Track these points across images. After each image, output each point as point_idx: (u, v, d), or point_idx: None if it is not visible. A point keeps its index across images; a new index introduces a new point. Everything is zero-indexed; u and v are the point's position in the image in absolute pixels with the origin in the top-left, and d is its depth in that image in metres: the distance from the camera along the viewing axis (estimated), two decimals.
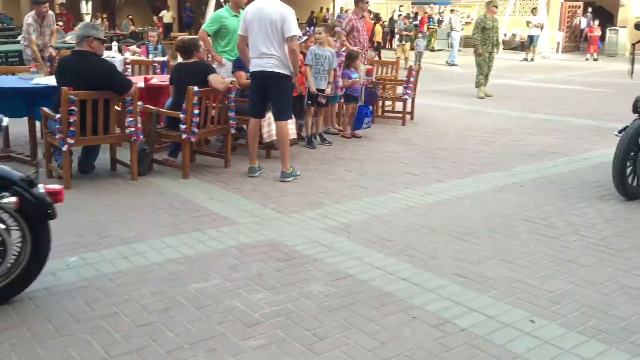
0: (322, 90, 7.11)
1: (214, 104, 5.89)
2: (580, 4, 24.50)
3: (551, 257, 3.95)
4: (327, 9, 31.73)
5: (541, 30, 20.81)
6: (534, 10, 21.09)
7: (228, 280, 3.54)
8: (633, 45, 5.80)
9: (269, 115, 6.04)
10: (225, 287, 3.45)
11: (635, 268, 3.77)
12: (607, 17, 24.99)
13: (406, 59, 17.63)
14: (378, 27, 19.72)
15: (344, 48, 7.98)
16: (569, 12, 23.59)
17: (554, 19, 22.89)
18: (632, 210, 4.94)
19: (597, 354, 2.80)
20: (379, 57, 17.19)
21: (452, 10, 21.53)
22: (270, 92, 5.68)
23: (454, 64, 18.97)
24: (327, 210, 4.88)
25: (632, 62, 5.85)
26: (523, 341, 2.91)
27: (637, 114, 5.11)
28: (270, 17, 5.43)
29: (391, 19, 26.11)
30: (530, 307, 3.24)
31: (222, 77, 6.17)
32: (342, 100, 7.90)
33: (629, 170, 5.10)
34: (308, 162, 6.52)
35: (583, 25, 22.81)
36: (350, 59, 7.65)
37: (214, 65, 6.52)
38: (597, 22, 21.09)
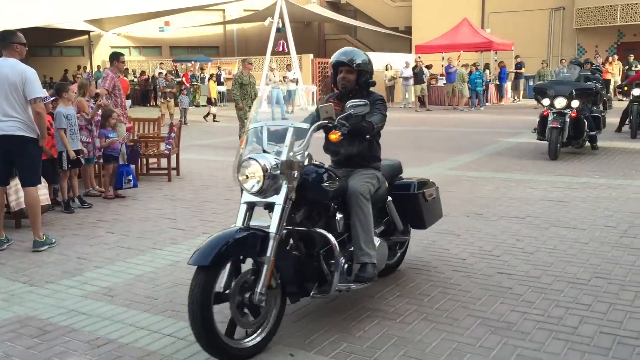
0: (80, 151, 6.92)
1: None
2: (328, 60, 27.09)
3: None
4: (84, 67, 30.52)
5: (296, 84, 22.49)
6: (288, 67, 22.75)
7: None
8: None
9: (16, 182, 5.61)
10: None
11: (377, 293, 4.25)
12: None
13: (171, 115, 17.66)
14: (212, 83, 19.68)
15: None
16: (319, 67, 25.90)
17: (308, 73, 24.94)
18: None
19: None
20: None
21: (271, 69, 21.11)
22: (15, 157, 5.30)
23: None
24: (87, 276, 4.64)
25: None
26: None
27: None
28: (9, 79, 5.11)
29: (153, 76, 26.04)
30: (289, 342, 3.46)
31: None
32: (102, 161, 7.65)
33: None
34: (66, 227, 6.15)
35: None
36: (105, 118, 7.48)
37: None
38: None
